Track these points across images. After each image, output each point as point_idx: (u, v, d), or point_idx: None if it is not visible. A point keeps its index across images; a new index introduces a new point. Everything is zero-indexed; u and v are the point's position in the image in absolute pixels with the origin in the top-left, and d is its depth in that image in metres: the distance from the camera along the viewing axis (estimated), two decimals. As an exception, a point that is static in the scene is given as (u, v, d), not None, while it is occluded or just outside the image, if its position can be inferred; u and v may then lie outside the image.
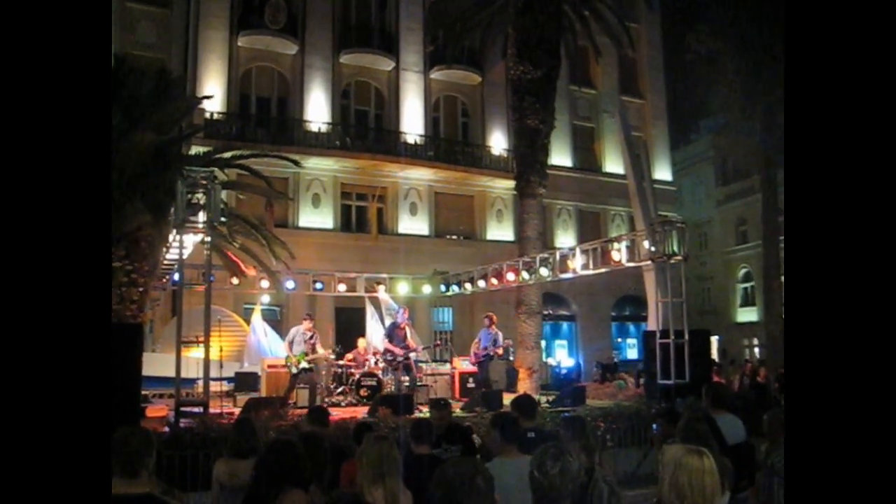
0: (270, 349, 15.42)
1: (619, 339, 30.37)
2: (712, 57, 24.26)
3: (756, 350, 33.07)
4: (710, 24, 24.18)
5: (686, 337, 11.11)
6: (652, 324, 12.94)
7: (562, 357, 27.61)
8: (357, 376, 13.48)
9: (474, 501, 2.54)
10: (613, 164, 28.05)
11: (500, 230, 26.49)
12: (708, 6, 24.60)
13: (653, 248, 11.80)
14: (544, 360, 22.96)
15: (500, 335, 14.33)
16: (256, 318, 16.30)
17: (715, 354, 30.30)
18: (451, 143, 26.49)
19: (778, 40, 22.84)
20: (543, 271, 13.95)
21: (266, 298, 17.34)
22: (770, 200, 24.04)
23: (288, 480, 3.41)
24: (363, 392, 13.16)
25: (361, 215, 24.52)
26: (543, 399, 12.74)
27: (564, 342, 29.00)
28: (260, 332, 15.97)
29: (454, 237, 25.93)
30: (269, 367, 13.80)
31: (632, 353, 28.32)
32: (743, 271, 36.59)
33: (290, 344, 12.76)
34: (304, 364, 12.41)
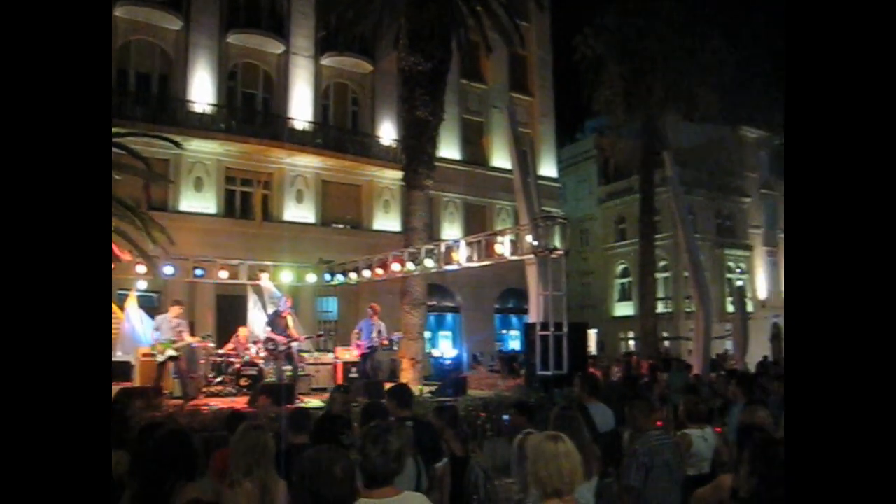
0: (145, 337, 14.80)
1: (503, 331, 30.95)
2: (598, 59, 25.03)
3: (631, 343, 34.46)
4: (596, 28, 24.93)
5: (565, 329, 11.43)
6: (533, 316, 13.24)
7: (446, 348, 27.90)
8: (237, 366, 13.15)
9: (332, 490, 2.53)
10: (501, 158, 28.50)
11: (388, 220, 26.45)
12: (594, 11, 25.36)
13: (535, 243, 12.06)
14: (428, 350, 23.17)
15: (384, 326, 14.30)
16: (131, 304, 15.57)
17: (593, 347, 31.50)
18: (341, 131, 26.21)
19: (659, 47, 23.85)
20: (428, 262, 14.02)
21: (143, 284, 16.62)
22: (647, 200, 25.08)
23: (183, 473, 3.26)
24: (243, 382, 12.86)
25: (246, 201, 23.91)
26: (425, 389, 12.83)
27: (449, 333, 29.30)
28: (135, 319, 15.25)
29: (341, 226, 25.69)
30: (144, 356, 13.19)
31: (514, 345, 28.94)
32: (621, 267, 38.06)
33: (156, 331, 12.23)
34: (170, 352, 11.89)
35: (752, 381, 9.85)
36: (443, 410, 5.02)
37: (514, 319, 30.28)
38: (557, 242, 11.63)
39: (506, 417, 7.46)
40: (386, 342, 14.45)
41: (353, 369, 14.52)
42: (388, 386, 11.69)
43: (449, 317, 29.34)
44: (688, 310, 29.67)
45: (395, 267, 14.70)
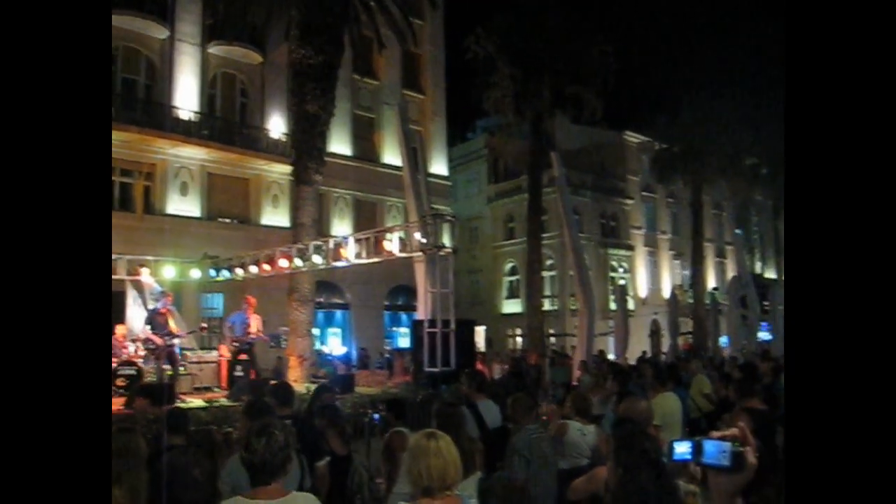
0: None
1: (393, 328, 30.95)
2: (489, 60, 25.37)
3: (518, 340, 35.13)
4: (488, 29, 25.26)
5: (453, 326, 11.53)
6: (422, 313, 13.29)
7: (335, 345, 27.64)
8: (114, 365, 12.55)
9: (190, 493, 2.47)
10: (392, 155, 28.46)
11: (276, 215, 25.93)
12: (487, 12, 25.72)
13: (424, 240, 12.11)
14: (317, 347, 22.88)
15: (260, 319, 13.76)
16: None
17: (482, 343, 31.92)
18: (228, 122, 25.47)
19: (548, 51, 24.40)
20: (317, 259, 13.83)
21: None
22: (535, 200, 25.61)
23: None
24: (120, 382, 12.28)
25: (126, 193, 22.85)
26: (312, 387, 12.64)
27: (338, 330, 29.05)
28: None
29: (227, 220, 24.98)
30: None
31: (404, 342, 28.98)
32: (509, 265, 38.75)
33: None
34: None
35: (628, 375, 10.25)
36: (325, 409, 4.95)
37: (403, 316, 30.33)
38: (446, 240, 11.73)
39: (376, 416, 7.45)
40: (265, 337, 14.05)
41: (238, 367, 14.10)
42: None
43: (338, 314, 29.08)
44: (573, 307, 30.52)
45: (283, 263, 14.42)
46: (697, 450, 1.75)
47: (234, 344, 13.33)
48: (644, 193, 41.07)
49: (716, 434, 1.78)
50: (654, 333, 36.02)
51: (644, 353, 23.13)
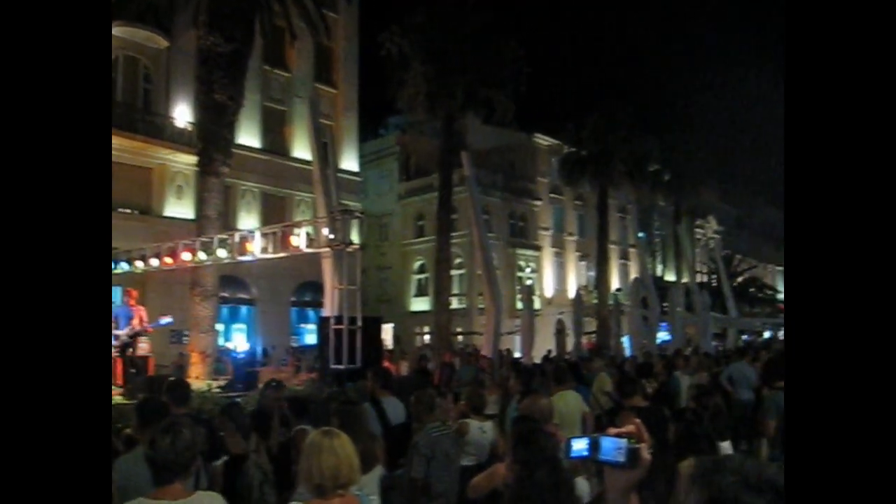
0: None
1: (300, 325, 30.52)
2: (403, 58, 25.31)
3: (426, 337, 35.22)
4: (403, 27, 25.20)
5: (359, 323, 11.44)
6: (328, 309, 13.14)
7: (239, 341, 27.04)
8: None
9: None
10: (302, 149, 28.00)
11: (180, 207, 25.13)
12: (403, 9, 25.63)
13: (332, 236, 11.97)
14: (221, 344, 22.31)
15: (143, 310, 13.17)
16: None
17: (389, 341, 31.84)
18: (130, 108, 24.47)
19: (461, 51, 24.55)
20: (221, 253, 13.48)
21: None
22: (445, 198, 25.72)
23: None
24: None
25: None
26: (214, 384, 12.34)
27: (243, 326, 28.42)
28: None
29: (128, 211, 24.00)
30: None
31: (311, 339, 28.61)
32: (418, 263, 38.81)
33: None
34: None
35: (532, 373, 10.43)
36: (228, 408, 4.83)
37: (310, 313, 29.93)
38: (354, 236, 11.63)
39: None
40: (150, 328, 13.50)
41: (132, 363, 13.54)
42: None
43: (243, 309, 28.45)
44: (480, 306, 30.82)
45: (186, 256, 13.97)
46: (594, 447, 1.77)
47: (120, 338, 12.76)
48: (552, 195, 41.88)
49: (612, 431, 1.80)
50: (560, 332, 36.78)
51: (549, 351, 23.60)
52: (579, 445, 1.79)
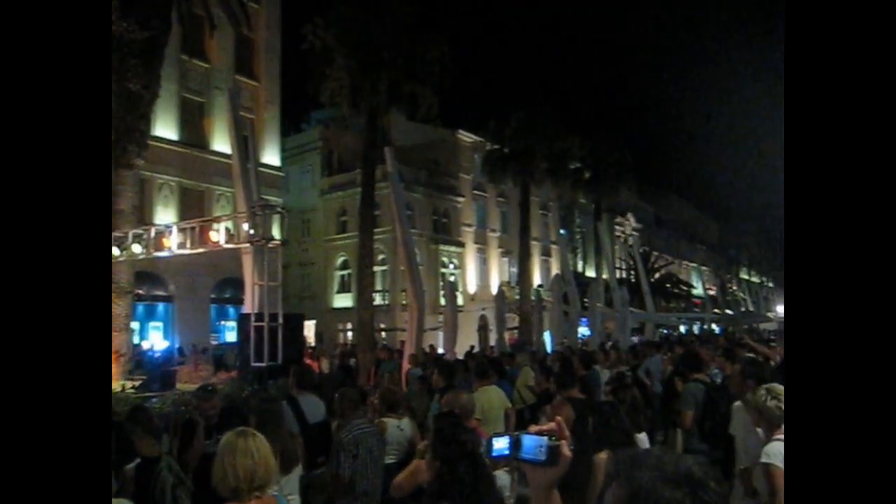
0: None
1: (220, 322, 29.86)
2: (326, 51, 24.98)
3: (349, 334, 34.99)
4: (326, 19, 24.87)
5: (280, 320, 11.27)
6: (249, 306, 12.88)
7: (156, 340, 26.26)
8: None
9: None
10: (222, 143, 27.35)
11: (93, 201, 24.18)
12: (326, 2, 25.29)
13: (252, 231, 11.74)
14: (136, 342, 21.61)
15: None
16: None
17: (312, 337, 31.45)
18: (39, 98, 23.44)
19: (386, 46, 24.40)
20: (136, 248, 13.04)
21: None
22: (368, 194, 25.53)
23: None
24: None
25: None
26: (129, 384, 11.95)
27: (160, 324, 27.60)
28: None
29: (36, 204, 23.00)
30: None
31: (231, 337, 28.01)
32: (341, 259, 38.48)
33: None
34: None
35: (454, 369, 10.46)
36: (135, 411, 4.65)
37: (231, 310, 29.30)
38: (276, 232, 11.44)
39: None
40: None
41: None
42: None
43: (160, 306, 27.62)
44: (404, 302, 30.80)
45: (98, 251, 13.44)
46: (515, 445, 1.77)
47: None
48: (475, 192, 42.16)
49: (533, 429, 1.81)
50: (483, 328, 37.09)
51: (472, 347, 23.74)
52: (500, 444, 1.80)
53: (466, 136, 41.40)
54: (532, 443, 1.75)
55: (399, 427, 6.13)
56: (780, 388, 4.31)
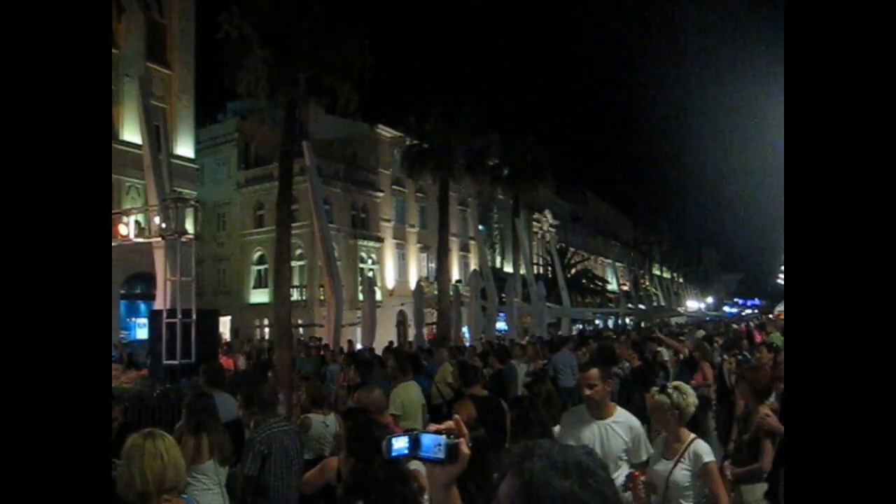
0: None
1: (130, 319, 28.91)
2: (243, 40, 24.42)
3: (266, 330, 34.42)
4: (243, 8, 24.30)
5: (194, 316, 11.00)
6: (161, 302, 12.49)
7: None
8: None
9: None
10: (132, 132, 26.40)
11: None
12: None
13: (164, 225, 11.40)
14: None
15: None
16: None
17: (227, 334, 30.79)
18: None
19: (306, 37, 24.05)
20: (39, 241, 12.46)
21: None
22: (286, 188, 25.14)
23: None
24: None
25: None
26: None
27: (65, 321, 26.49)
28: None
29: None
30: None
31: (142, 334, 27.12)
32: (258, 254, 37.82)
33: None
34: None
35: (371, 365, 10.44)
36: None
37: (142, 306, 28.37)
38: (189, 226, 11.11)
39: None
40: None
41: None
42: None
43: (65, 303, 26.50)
44: (322, 297, 30.49)
45: None
46: (414, 444, 1.78)
47: None
48: (394, 187, 42.09)
49: (432, 427, 1.82)
50: (401, 324, 37.10)
51: (391, 342, 23.72)
52: (399, 444, 1.80)
53: (386, 131, 41.25)
54: (431, 441, 1.77)
55: (324, 423, 6.08)
56: (686, 385, 4.45)
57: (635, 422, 4.49)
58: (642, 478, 4.05)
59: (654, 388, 4.44)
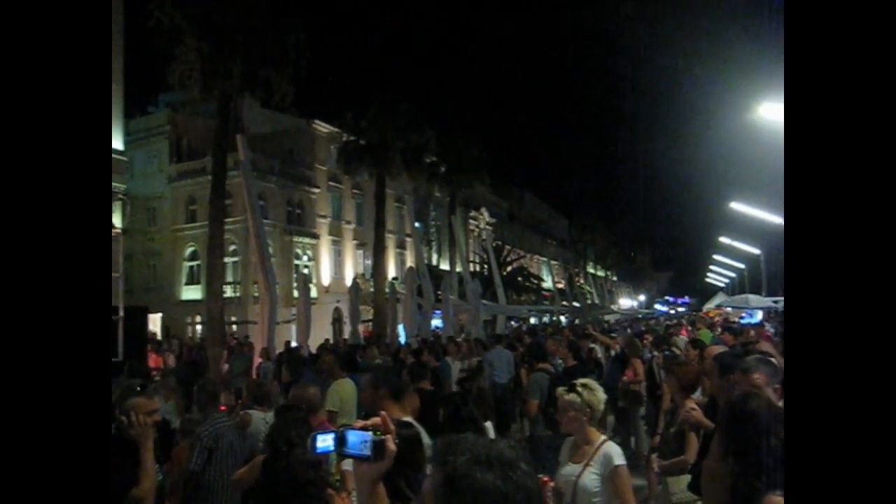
0: None
1: (52, 315, 27.92)
2: (176, 30, 23.84)
3: (199, 328, 33.76)
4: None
5: (121, 314, 10.74)
6: (86, 299, 12.14)
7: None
8: None
9: None
10: (58, 123, 25.55)
11: None
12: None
13: (91, 218, 11.08)
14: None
15: None
16: None
17: (158, 331, 30.05)
18: None
19: (242, 28, 23.64)
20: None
21: None
22: (219, 182, 24.68)
23: None
24: None
25: None
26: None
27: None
28: None
29: None
30: None
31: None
32: (190, 250, 37.05)
33: None
34: None
35: (304, 362, 10.38)
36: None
37: (66, 302, 27.43)
38: (116, 220, 10.81)
39: None
40: None
41: None
42: None
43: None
44: (256, 294, 30.05)
45: None
46: (340, 441, 1.76)
47: None
48: (331, 183, 41.76)
49: (358, 424, 1.82)
50: (337, 321, 36.81)
51: (327, 340, 23.52)
52: (325, 441, 1.79)
53: (322, 127, 40.88)
54: (357, 438, 1.75)
55: (265, 420, 6.03)
56: (594, 382, 4.35)
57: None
58: (551, 484, 3.86)
59: (562, 388, 4.28)
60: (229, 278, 32.88)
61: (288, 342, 19.82)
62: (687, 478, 4.63)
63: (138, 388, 4.82)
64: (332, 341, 23.35)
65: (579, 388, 4.14)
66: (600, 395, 4.21)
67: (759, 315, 27.65)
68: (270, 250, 25.68)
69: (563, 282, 63.02)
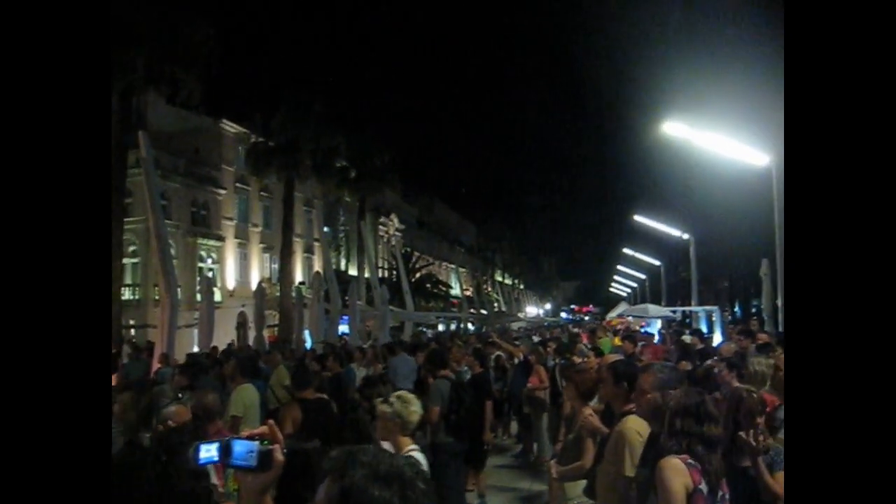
0: None
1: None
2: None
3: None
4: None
5: None
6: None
7: None
8: None
9: None
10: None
11: None
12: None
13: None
14: None
15: None
16: None
17: None
18: None
19: (145, 21, 22.89)
20: None
21: None
22: (119, 181, 23.82)
23: None
24: None
25: None
26: None
27: None
28: None
29: None
30: None
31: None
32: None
33: None
34: None
35: (201, 368, 10.11)
36: None
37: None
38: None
39: None
40: None
41: None
42: None
43: None
44: (156, 297, 29.05)
45: None
46: (225, 451, 1.70)
47: None
48: (238, 185, 40.87)
49: (244, 433, 1.76)
50: (242, 326, 35.97)
51: (230, 344, 22.95)
52: (208, 451, 1.71)
53: (230, 126, 39.97)
54: (243, 448, 1.70)
55: None
56: (412, 396, 4.69)
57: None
58: None
59: (379, 399, 4.67)
60: (128, 280, 31.71)
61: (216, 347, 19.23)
62: (583, 483, 4.73)
63: (179, 396, 4.81)
64: (235, 346, 22.81)
65: (392, 400, 4.52)
66: (413, 407, 4.55)
67: (658, 324, 28.56)
68: (173, 252, 24.88)
69: (471, 289, 63.56)
